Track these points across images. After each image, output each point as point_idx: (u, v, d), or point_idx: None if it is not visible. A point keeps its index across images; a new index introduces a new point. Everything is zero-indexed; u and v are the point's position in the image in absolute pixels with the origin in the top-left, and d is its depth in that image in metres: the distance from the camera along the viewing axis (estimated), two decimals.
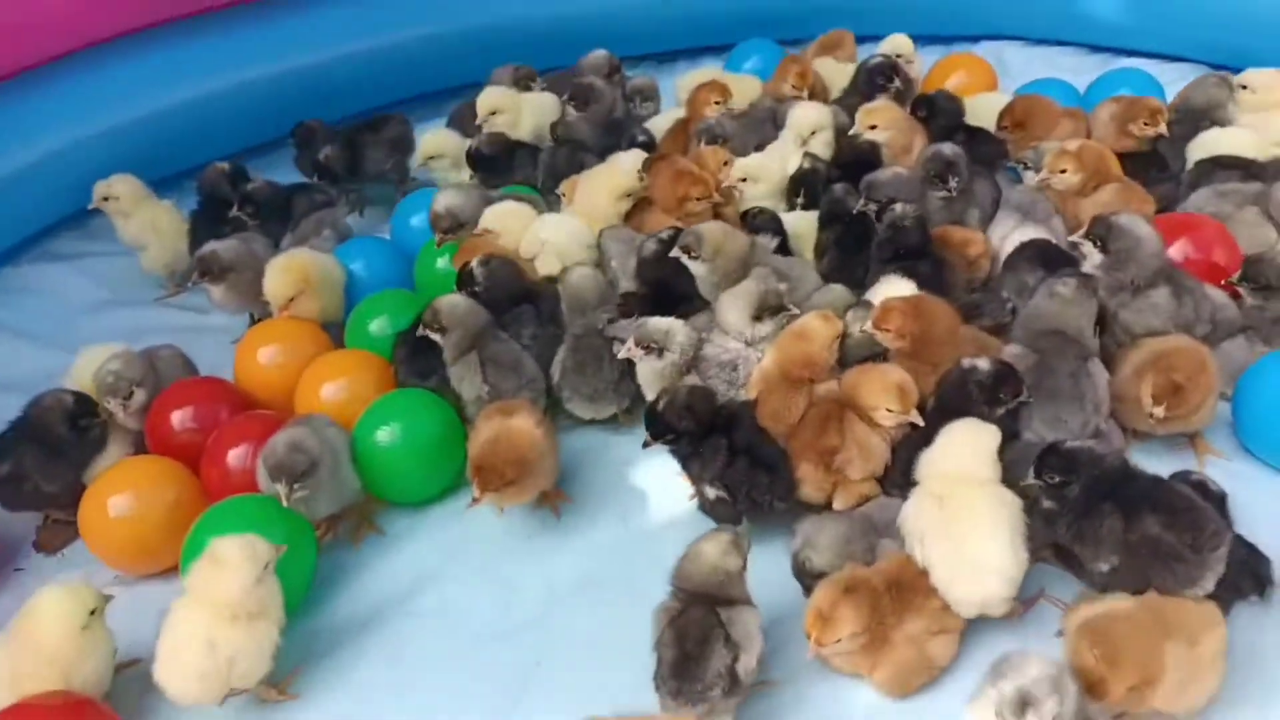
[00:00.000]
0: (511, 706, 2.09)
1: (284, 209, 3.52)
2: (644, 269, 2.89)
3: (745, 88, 4.01)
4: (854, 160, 3.26)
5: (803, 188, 3.25)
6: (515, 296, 2.82)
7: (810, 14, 4.59)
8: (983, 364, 2.26)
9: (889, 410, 2.26)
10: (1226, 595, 2.04)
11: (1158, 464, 2.41)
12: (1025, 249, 2.78)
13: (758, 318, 2.55)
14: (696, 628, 1.87)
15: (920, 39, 4.72)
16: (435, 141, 3.81)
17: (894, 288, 2.63)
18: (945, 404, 2.28)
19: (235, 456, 2.51)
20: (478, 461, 2.31)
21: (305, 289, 3.01)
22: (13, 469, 2.55)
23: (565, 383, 2.71)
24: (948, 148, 3.05)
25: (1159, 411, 2.35)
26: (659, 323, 2.57)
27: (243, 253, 3.19)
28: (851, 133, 3.39)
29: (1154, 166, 3.33)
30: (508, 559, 2.48)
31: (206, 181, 3.62)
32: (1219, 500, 2.19)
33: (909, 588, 1.98)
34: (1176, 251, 2.77)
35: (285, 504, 2.27)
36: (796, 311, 2.56)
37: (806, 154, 3.31)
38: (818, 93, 3.89)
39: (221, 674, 1.97)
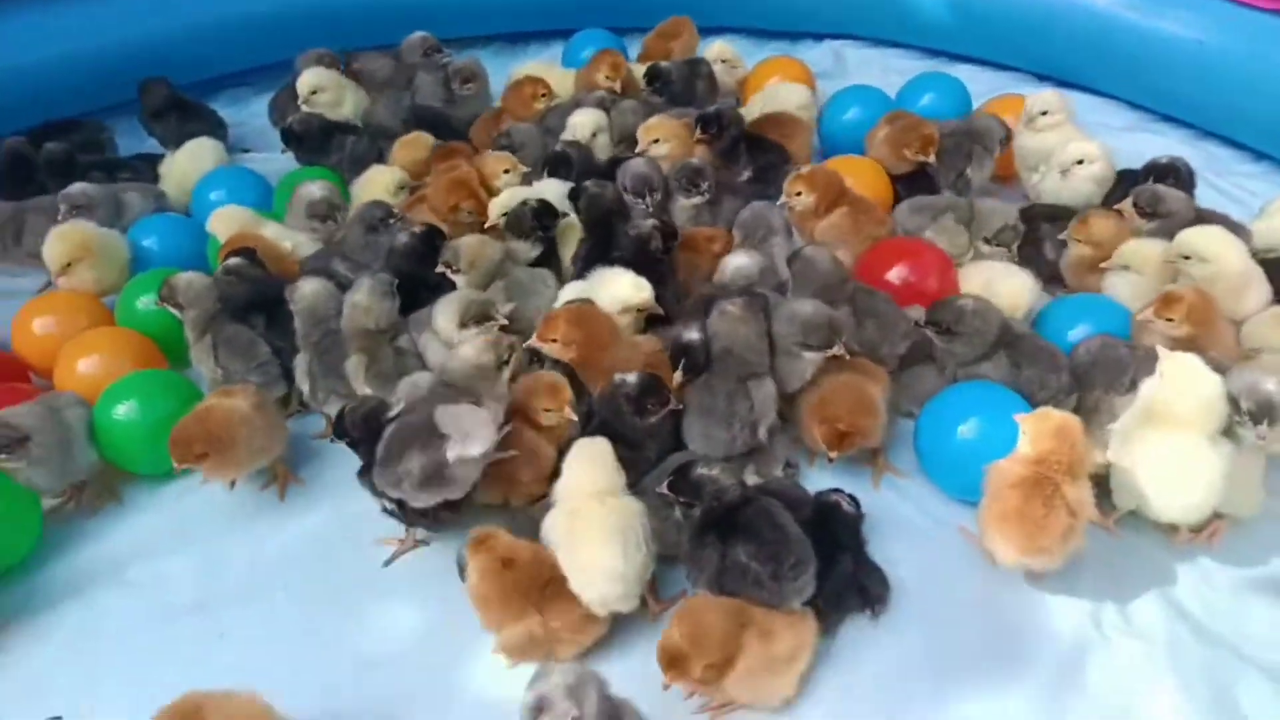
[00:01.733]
0: (180, 677, 2.08)
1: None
2: (394, 259, 3.00)
3: (570, 82, 4.11)
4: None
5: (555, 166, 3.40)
6: (253, 303, 2.89)
7: (653, 4, 4.63)
8: (630, 378, 2.42)
9: (546, 410, 2.43)
10: (832, 610, 2.25)
11: (835, 477, 2.62)
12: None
13: (464, 325, 2.68)
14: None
15: (765, 34, 4.88)
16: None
17: (615, 279, 2.77)
18: (602, 418, 2.46)
19: None
20: (171, 436, 2.48)
21: (83, 257, 3.15)
22: None
23: (319, 388, 2.80)
24: (695, 160, 3.26)
25: (835, 455, 2.54)
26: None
27: None
28: (638, 150, 3.48)
29: (922, 189, 3.45)
30: (225, 535, 2.63)
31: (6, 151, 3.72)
32: (851, 522, 2.35)
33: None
34: (895, 276, 2.94)
35: None
36: (504, 321, 2.71)
37: (562, 141, 3.48)
38: (630, 87, 3.98)
39: None
